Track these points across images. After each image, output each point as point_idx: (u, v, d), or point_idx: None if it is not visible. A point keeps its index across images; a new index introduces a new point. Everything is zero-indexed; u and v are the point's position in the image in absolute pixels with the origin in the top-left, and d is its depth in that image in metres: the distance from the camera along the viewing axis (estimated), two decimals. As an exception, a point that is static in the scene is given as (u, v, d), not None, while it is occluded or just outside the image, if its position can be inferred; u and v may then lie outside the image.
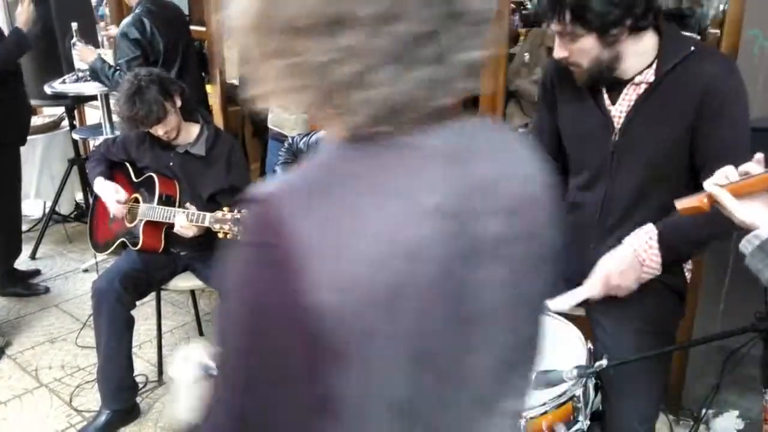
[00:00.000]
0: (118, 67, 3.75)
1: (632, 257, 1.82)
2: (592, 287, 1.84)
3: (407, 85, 0.74)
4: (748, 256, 1.33)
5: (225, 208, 2.70)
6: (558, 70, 2.04)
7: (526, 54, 4.23)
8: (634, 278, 1.83)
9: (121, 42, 3.77)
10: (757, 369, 1.79)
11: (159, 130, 2.85)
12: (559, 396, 1.60)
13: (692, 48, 1.82)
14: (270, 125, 4.21)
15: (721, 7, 3.46)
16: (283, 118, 4.07)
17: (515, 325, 0.89)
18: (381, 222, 0.74)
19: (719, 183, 1.38)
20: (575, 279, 2.00)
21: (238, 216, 2.66)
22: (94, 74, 3.85)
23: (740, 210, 1.33)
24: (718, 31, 3.47)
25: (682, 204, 1.44)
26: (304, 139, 2.92)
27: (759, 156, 1.37)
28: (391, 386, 0.78)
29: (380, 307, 0.73)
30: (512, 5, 4.19)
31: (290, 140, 2.98)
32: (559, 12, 1.74)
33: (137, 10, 3.85)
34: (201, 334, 3.68)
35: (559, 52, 1.84)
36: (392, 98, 0.75)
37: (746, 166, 1.37)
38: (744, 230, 1.35)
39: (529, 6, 4.41)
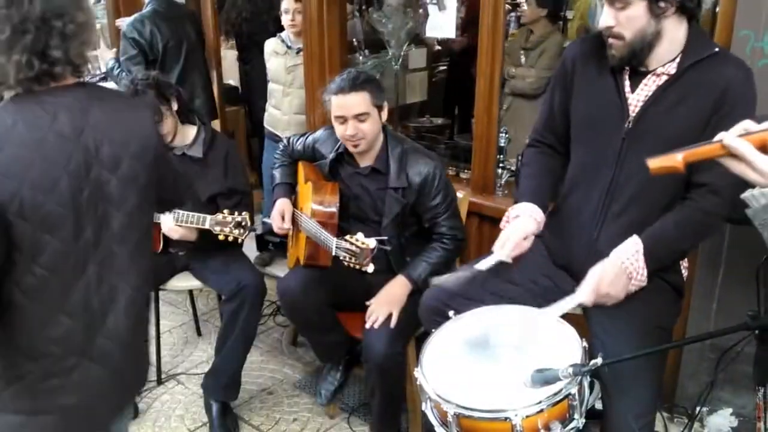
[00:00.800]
0: (119, 65, 3.84)
1: (621, 270, 1.88)
2: (583, 294, 1.89)
3: (15, 65, 1.40)
4: (759, 209, 1.26)
5: (225, 211, 2.72)
6: (582, 52, 2.08)
7: (521, 54, 4.27)
8: (623, 288, 1.88)
9: (122, 40, 3.89)
10: (751, 367, 1.81)
11: None
12: (555, 394, 1.61)
13: (716, 49, 1.89)
14: (265, 125, 4.23)
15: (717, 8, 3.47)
16: (277, 117, 4.10)
17: (125, 212, 1.58)
18: (26, 135, 1.43)
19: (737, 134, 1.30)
20: (575, 264, 2.03)
21: (239, 219, 2.69)
22: (109, 73, 3.93)
23: (759, 161, 1.24)
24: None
25: (654, 163, 1.39)
26: (300, 139, 2.94)
27: None
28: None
29: (22, 183, 1.40)
30: (508, 6, 4.21)
31: (285, 142, 3.00)
32: None
33: (145, 9, 3.96)
34: (199, 334, 3.70)
35: (606, 20, 1.88)
36: (13, 73, 1.41)
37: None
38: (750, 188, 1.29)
39: (524, 8, 4.43)
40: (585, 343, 1.75)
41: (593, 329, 1.99)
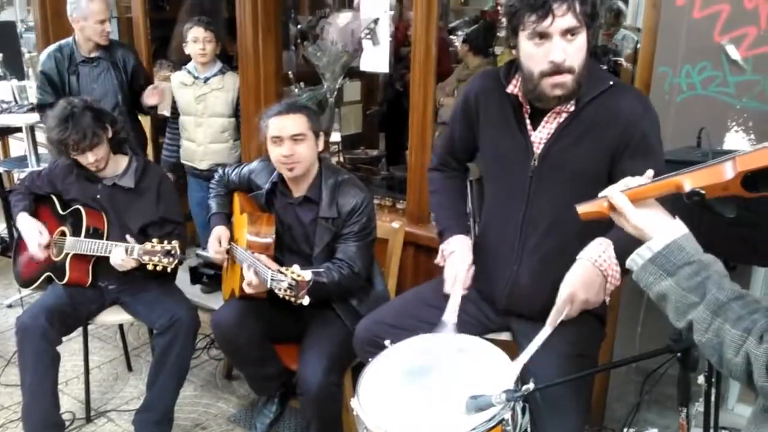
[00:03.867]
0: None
1: (593, 270, 1.82)
2: (559, 312, 1.85)
3: None
4: (639, 270, 1.35)
5: (155, 240, 2.69)
6: (483, 88, 2.09)
7: (453, 91, 4.41)
8: (600, 290, 1.84)
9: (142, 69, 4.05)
10: (674, 388, 1.88)
11: (89, 157, 2.80)
12: (489, 420, 1.63)
13: (611, 82, 1.92)
14: (182, 161, 4.20)
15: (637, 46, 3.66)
16: (192, 150, 4.07)
17: None
18: None
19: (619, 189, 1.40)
20: (499, 299, 2.08)
21: (169, 247, 2.65)
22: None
23: (636, 216, 1.35)
24: (631, 65, 3.67)
25: (583, 208, 1.46)
26: (236, 170, 2.93)
27: (650, 172, 1.44)
28: None
29: None
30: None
31: (221, 172, 2.99)
32: (572, 1, 1.74)
33: (117, 41, 4.08)
34: (130, 369, 3.61)
35: (559, 54, 1.79)
36: None
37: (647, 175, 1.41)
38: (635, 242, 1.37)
39: (456, 44, 4.59)
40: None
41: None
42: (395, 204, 3.62)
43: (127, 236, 2.78)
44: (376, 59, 3.46)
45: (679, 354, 1.81)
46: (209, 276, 4.16)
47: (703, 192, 1.26)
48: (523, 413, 1.77)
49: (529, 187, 2.00)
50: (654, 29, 2.47)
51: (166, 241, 2.68)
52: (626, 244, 1.76)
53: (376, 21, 3.39)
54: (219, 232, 2.83)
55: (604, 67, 3.95)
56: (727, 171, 1.23)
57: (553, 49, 1.79)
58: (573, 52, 1.80)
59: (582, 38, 1.80)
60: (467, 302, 2.16)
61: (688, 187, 1.28)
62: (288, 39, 5.02)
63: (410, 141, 3.27)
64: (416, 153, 3.25)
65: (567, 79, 1.83)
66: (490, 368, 1.82)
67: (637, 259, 1.35)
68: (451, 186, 2.33)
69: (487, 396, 1.60)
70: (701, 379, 2.16)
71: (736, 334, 1.19)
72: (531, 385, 1.62)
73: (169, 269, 2.70)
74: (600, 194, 1.43)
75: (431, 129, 3.22)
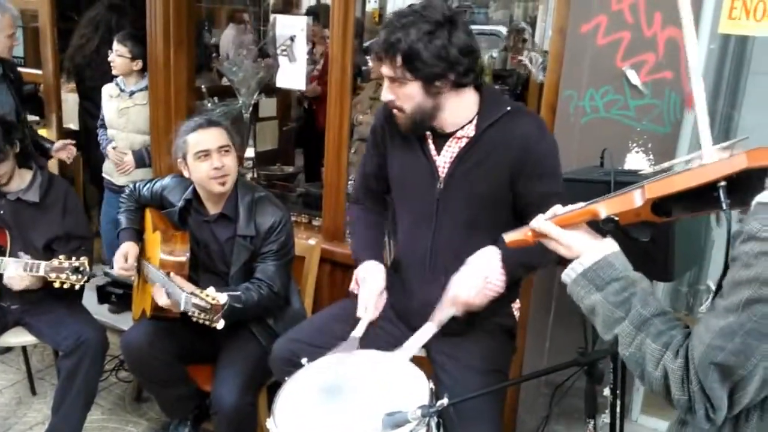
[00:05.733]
0: None
1: (477, 275, 1.93)
2: (444, 311, 1.95)
3: None
4: (571, 284, 1.40)
5: (62, 256, 2.60)
6: (387, 117, 2.14)
7: (368, 108, 4.45)
8: (482, 295, 1.94)
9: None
10: (582, 400, 1.95)
11: None
12: (404, 436, 1.65)
13: (508, 108, 2.01)
14: (103, 174, 4.07)
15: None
16: (111, 164, 3.96)
17: None
18: None
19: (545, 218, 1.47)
20: (413, 316, 2.11)
21: (77, 264, 2.57)
22: None
23: (564, 237, 1.41)
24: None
25: (509, 237, 1.53)
26: (147, 185, 2.87)
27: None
28: None
29: None
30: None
31: (132, 187, 2.92)
32: (392, 56, 1.88)
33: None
34: (33, 393, 3.45)
35: (386, 95, 1.97)
36: None
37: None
38: (567, 262, 1.43)
39: (369, 64, 4.64)
40: (432, 385, 1.82)
41: (437, 373, 2.07)
42: (311, 221, 3.61)
43: (20, 252, 2.67)
44: (292, 76, 3.46)
45: (585, 367, 1.88)
46: (118, 295, 4.02)
47: (617, 218, 1.33)
48: (438, 429, 1.80)
49: (437, 209, 2.06)
50: (560, 54, 2.57)
51: (74, 258, 2.60)
52: (514, 255, 1.91)
53: (292, 38, 3.41)
54: (126, 248, 2.74)
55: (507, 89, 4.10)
56: (637, 198, 1.30)
57: (383, 89, 1.99)
58: (402, 96, 1.96)
59: (410, 88, 1.93)
60: (383, 320, 2.18)
61: (603, 214, 1.35)
62: (202, 52, 4.96)
63: (326, 158, 3.27)
64: (332, 170, 3.26)
65: (399, 115, 2.00)
66: (405, 384, 1.84)
67: (570, 273, 1.40)
68: (368, 217, 2.34)
69: (403, 412, 1.62)
70: (607, 392, 2.25)
71: (655, 349, 1.24)
72: (445, 400, 1.65)
73: (77, 286, 2.61)
74: (530, 225, 1.49)
75: (347, 146, 3.24)
